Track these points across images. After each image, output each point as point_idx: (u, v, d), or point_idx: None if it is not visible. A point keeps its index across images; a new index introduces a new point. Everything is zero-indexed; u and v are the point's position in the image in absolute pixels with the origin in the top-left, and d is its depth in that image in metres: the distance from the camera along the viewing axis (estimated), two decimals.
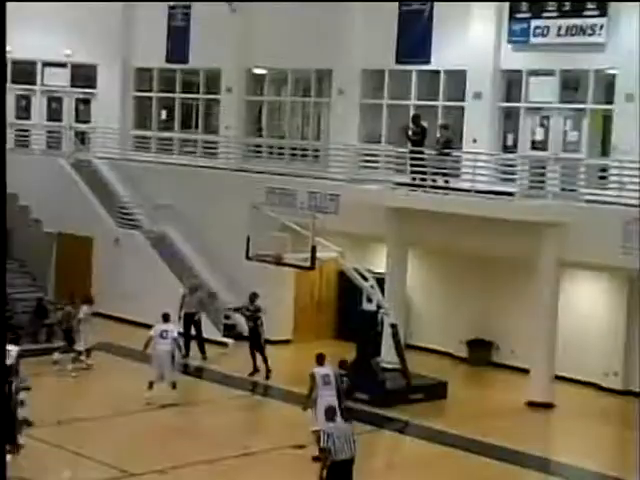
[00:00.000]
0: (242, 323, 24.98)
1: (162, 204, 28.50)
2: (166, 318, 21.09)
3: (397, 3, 26.71)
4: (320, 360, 17.84)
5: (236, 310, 24.94)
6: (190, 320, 24.60)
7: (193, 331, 24.69)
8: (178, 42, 31.74)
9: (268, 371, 22.91)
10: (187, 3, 31.62)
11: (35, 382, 20.54)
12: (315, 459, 16.32)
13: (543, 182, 23.29)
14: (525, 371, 22.66)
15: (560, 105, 24.74)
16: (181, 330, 23.57)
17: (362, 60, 27.51)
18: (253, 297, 23.37)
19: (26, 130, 32.95)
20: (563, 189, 22.79)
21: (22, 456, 16.49)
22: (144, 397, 19.97)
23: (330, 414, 14.58)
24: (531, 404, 21.65)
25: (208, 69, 31.65)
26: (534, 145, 25.33)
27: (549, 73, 24.69)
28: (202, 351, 24.54)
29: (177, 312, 24.00)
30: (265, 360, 22.97)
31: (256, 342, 23.12)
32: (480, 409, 21.45)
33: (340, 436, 14.04)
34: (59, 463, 17.13)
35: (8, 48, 31.61)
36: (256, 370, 22.98)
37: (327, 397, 17.37)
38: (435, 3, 26.05)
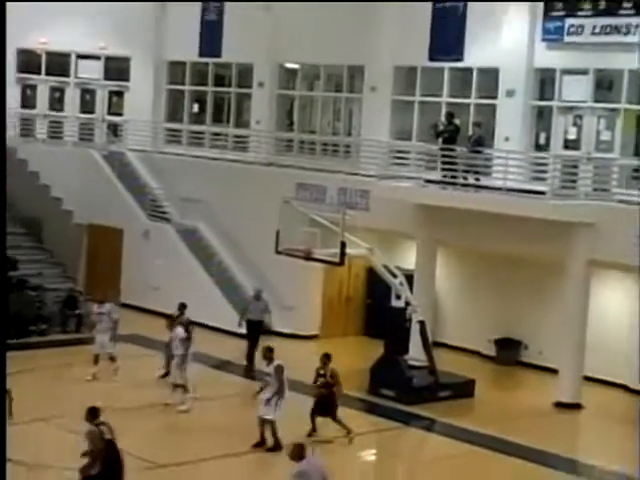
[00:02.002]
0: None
1: (192, 197, 28.56)
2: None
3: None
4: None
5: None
6: (255, 328, 23.50)
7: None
8: (211, 36, 31.79)
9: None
10: None
11: (64, 373, 20.79)
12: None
13: (575, 181, 23.12)
14: (553, 371, 22.54)
15: (593, 104, 24.54)
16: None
17: (394, 57, 27.42)
18: (182, 307, 21.66)
19: (59, 122, 33.14)
20: (595, 189, 22.64)
21: (50, 445, 16.69)
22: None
23: (299, 451, 12.75)
24: (559, 405, 21.55)
25: (240, 63, 31.66)
26: (566, 144, 25.17)
27: (583, 72, 24.51)
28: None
29: (239, 319, 23.65)
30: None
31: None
32: (507, 408, 21.38)
33: (314, 474, 12.62)
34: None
35: (44, 40, 32.11)
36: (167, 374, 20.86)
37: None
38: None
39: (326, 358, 18.46)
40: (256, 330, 23.51)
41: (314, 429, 18.26)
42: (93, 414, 13.73)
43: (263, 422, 17.61)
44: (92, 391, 20.24)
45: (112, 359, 21.53)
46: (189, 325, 20.90)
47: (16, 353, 20.04)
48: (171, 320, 20.78)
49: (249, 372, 22.70)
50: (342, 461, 17.35)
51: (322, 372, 18.37)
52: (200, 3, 32.04)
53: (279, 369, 17.64)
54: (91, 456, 13.50)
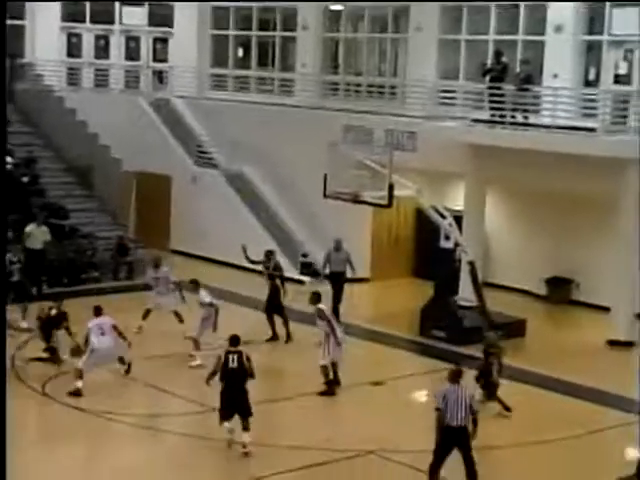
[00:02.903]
0: (318, 261, 24.75)
1: (239, 142, 28.55)
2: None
3: None
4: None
5: (254, 263, 21.75)
6: (337, 279, 22.61)
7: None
8: None
9: (288, 335, 21.03)
10: None
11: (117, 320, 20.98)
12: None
13: (626, 117, 22.78)
14: (606, 309, 22.39)
15: None
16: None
17: None
18: (269, 254, 21.51)
19: (105, 70, 33.21)
20: None
21: (103, 389, 16.96)
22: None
23: (456, 375, 13.68)
24: (612, 343, 21.43)
25: (284, 7, 31.42)
26: (617, 79, 24.75)
27: (633, 4, 24.00)
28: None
29: (321, 270, 23.24)
30: (286, 322, 21.06)
31: (274, 304, 21.19)
32: (559, 347, 21.31)
33: (457, 399, 13.33)
34: (141, 397, 17.51)
35: None
36: (275, 337, 21.06)
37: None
38: None
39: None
40: (339, 281, 22.69)
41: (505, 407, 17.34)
42: (233, 342, 14.75)
43: (324, 367, 17.66)
44: (145, 338, 20.51)
45: (177, 316, 21.00)
46: (280, 270, 21.16)
47: (70, 301, 20.27)
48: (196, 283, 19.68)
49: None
50: (394, 401, 17.46)
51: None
52: None
53: (319, 312, 17.76)
54: (210, 378, 14.98)
